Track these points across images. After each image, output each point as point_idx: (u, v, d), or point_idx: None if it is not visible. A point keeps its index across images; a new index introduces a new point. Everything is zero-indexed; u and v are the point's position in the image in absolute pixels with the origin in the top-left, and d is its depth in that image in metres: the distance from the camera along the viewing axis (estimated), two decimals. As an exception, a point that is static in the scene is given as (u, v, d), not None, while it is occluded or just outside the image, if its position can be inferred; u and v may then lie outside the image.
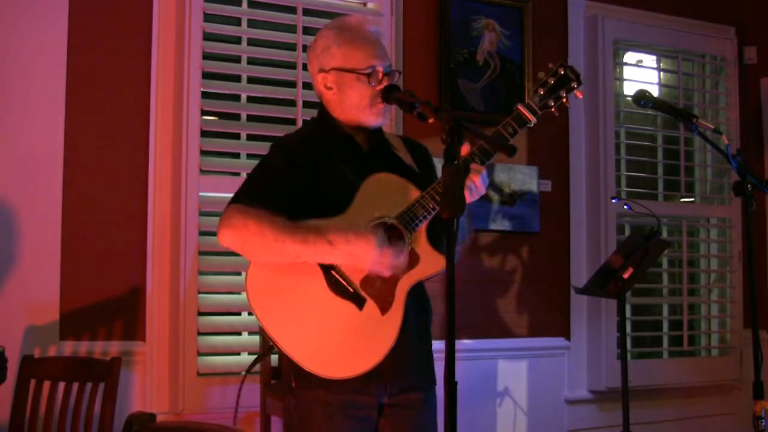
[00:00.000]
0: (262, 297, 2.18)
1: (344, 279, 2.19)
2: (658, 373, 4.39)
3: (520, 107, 2.28)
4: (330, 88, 2.33)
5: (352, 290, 2.19)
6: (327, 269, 2.20)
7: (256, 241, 2.15)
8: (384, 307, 2.21)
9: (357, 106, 2.31)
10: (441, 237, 2.32)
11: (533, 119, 2.28)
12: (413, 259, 2.24)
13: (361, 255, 2.15)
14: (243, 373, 2.57)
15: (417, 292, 2.30)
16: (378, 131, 2.43)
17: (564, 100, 2.31)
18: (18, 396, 2.89)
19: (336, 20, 2.44)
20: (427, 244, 2.26)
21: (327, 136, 2.36)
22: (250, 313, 3.45)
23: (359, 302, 2.19)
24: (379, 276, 2.21)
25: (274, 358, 3.20)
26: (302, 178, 2.26)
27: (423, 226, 2.24)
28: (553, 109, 2.31)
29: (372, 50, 2.32)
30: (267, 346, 3.07)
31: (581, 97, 2.34)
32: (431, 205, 2.21)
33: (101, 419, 2.76)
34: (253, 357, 3.41)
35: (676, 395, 4.42)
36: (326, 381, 2.18)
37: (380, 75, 2.29)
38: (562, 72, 2.31)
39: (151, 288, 3.29)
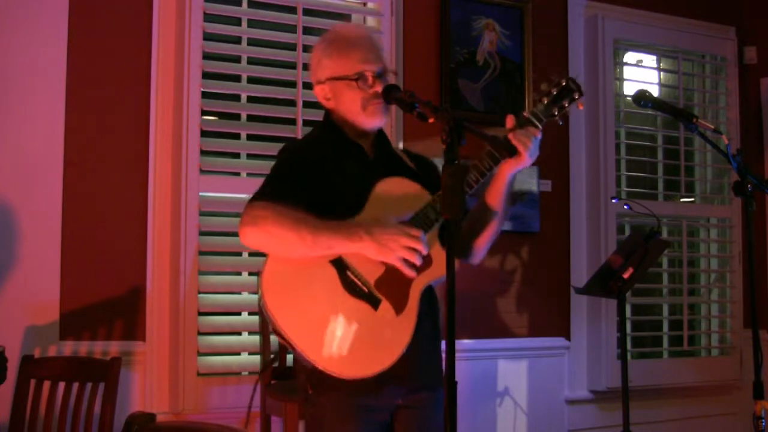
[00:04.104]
0: (278, 297, 2.17)
1: (359, 279, 2.20)
2: (658, 373, 4.39)
3: (526, 115, 2.32)
4: (329, 99, 2.38)
5: (366, 290, 2.19)
6: (342, 269, 2.20)
7: (288, 237, 2.14)
8: (398, 307, 2.21)
9: (351, 111, 2.34)
10: (467, 236, 2.37)
11: (539, 127, 2.33)
12: (427, 261, 2.24)
13: (389, 239, 2.15)
14: (256, 373, 2.54)
15: (427, 293, 2.31)
16: (383, 139, 2.46)
17: (566, 110, 2.37)
18: (18, 396, 2.89)
19: (326, 32, 2.48)
20: (440, 247, 2.26)
21: (333, 143, 2.38)
22: (250, 313, 3.45)
23: (374, 302, 2.19)
24: (397, 271, 2.20)
25: (274, 358, 3.20)
26: (313, 182, 2.27)
27: (435, 229, 2.26)
28: (557, 118, 2.36)
29: (359, 55, 2.34)
30: (278, 346, 3.07)
31: (582, 108, 2.39)
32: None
33: (101, 419, 2.76)
34: (253, 357, 3.41)
35: (676, 395, 4.42)
36: (341, 384, 2.17)
37: (369, 79, 2.32)
38: (564, 83, 2.36)
39: (151, 288, 3.29)
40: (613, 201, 4.05)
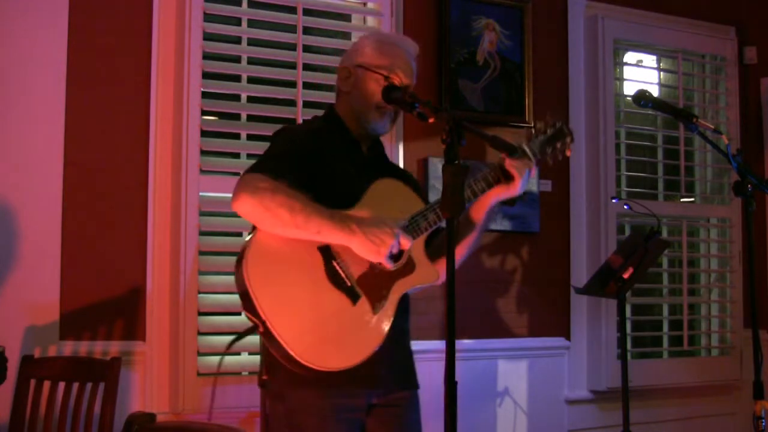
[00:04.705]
0: (261, 273, 2.15)
1: (344, 271, 2.20)
2: (658, 373, 4.39)
3: (523, 147, 2.40)
4: (347, 79, 2.42)
5: (349, 284, 2.20)
6: (328, 258, 2.20)
7: (281, 213, 2.13)
8: (376, 306, 2.22)
9: (364, 101, 2.37)
10: (436, 252, 2.39)
11: (534, 160, 2.42)
12: (410, 267, 2.26)
13: (382, 239, 2.16)
14: (255, 373, 2.50)
15: (403, 299, 2.32)
16: (379, 145, 2.50)
17: (557, 151, 2.49)
18: (18, 396, 2.89)
19: (382, 32, 2.52)
20: (424, 256, 2.32)
21: (332, 135, 2.39)
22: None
23: (353, 297, 2.20)
24: (380, 271, 2.21)
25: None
26: (309, 168, 2.28)
27: (422, 238, 2.30)
28: (548, 157, 2.48)
29: (399, 62, 2.40)
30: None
31: (569, 155, 2.52)
32: (433, 219, 2.28)
33: (101, 419, 2.77)
34: (254, 357, 3.41)
35: (676, 395, 4.42)
36: (313, 381, 2.17)
37: (397, 84, 2.36)
38: (559, 125, 2.49)
39: (151, 288, 3.29)
40: (613, 201, 4.05)
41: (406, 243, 2.19)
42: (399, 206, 2.29)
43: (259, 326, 2.14)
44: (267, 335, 2.14)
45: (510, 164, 2.32)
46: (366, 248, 2.16)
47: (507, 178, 2.33)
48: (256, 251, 2.16)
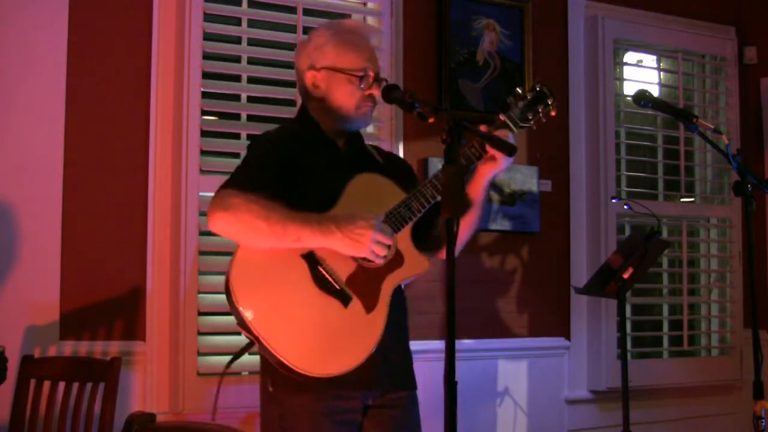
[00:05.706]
0: (248, 290, 2.15)
1: (331, 275, 2.19)
2: (658, 373, 4.39)
3: (502, 118, 2.34)
4: (317, 87, 2.36)
5: (338, 287, 2.19)
6: (313, 264, 2.19)
7: (258, 224, 2.12)
8: (369, 305, 2.21)
9: (343, 106, 2.34)
10: (424, 240, 2.37)
11: (515, 131, 2.35)
12: (398, 260, 2.25)
13: (361, 233, 2.14)
14: (256, 372, 2.49)
15: (397, 293, 2.31)
16: (358, 137, 2.47)
17: (540, 115, 2.38)
18: (18, 396, 2.89)
19: (333, 22, 2.47)
20: (411, 246, 2.30)
21: (307, 137, 2.37)
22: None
23: (345, 299, 2.19)
24: (368, 269, 2.20)
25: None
26: (284, 174, 2.27)
27: (407, 228, 2.27)
28: (531, 123, 2.38)
29: (365, 54, 2.36)
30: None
31: (554, 115, 2.42)
32: (416, 207, 2.25)
33: (101, 419, 2.76)
34: (253, 357, 3.40)
35: (676, 395, 4.42)
36: (309, 385, 2.17)
37: (371, 79, 2.33)
38: (539, 88, 2.39)
39: (151, 288, 3.29)
40: (613, 201, 4.05)
41: (384, 237, 2.17)
42: (379, 200, 2.27)
43: (255, 343, 2.15)
44: (264, 350, 2.16)
45: (490, 147, 2.27)
46: (347, 245, 2.16)
47: (512, 150, 2.22)
48: (239, 270, 2.17)
